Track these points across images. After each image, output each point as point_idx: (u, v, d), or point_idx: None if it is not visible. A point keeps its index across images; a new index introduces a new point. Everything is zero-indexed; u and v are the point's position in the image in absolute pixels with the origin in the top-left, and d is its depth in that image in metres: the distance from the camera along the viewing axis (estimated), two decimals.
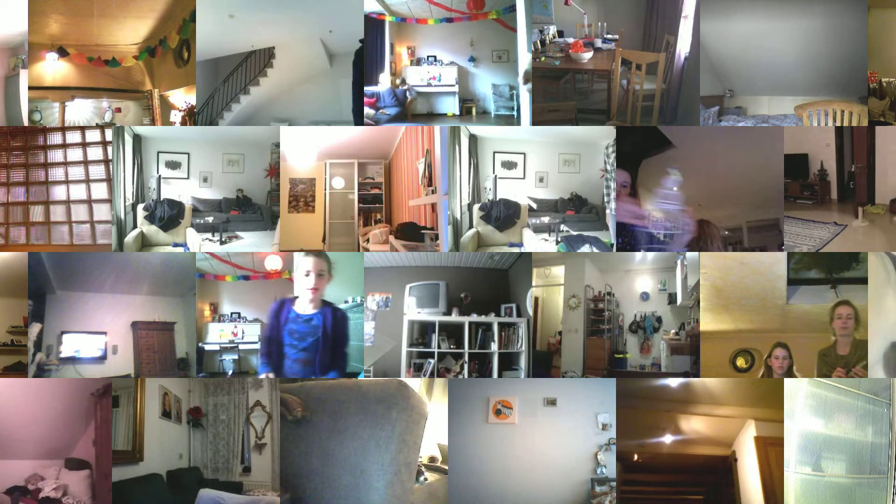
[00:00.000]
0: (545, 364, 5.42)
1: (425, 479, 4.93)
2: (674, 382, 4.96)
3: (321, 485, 3.78)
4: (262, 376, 4.05)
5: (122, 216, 5.27)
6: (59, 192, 5.55)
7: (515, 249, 5.25)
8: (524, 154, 5.50)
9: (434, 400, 5.23)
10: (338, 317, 3.97)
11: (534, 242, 5.19)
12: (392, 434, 3.75)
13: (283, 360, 3.95)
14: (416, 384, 4.97)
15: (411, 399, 3.85)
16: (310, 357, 3.94)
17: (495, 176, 5.41)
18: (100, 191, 5.51)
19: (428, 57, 6.24)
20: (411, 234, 5.94)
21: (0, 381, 4.78)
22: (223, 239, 5.40)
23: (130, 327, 5.36)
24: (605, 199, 5.18)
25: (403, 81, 6.12)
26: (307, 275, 3.90)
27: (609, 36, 6.08)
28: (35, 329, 5.01)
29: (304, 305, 3.95)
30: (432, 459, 5.28)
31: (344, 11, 5.34)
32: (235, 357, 5.78)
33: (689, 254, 5.09)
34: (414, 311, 5.72)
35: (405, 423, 3.78)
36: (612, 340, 5.56)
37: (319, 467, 3.79)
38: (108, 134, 5.38)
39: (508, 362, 5.49)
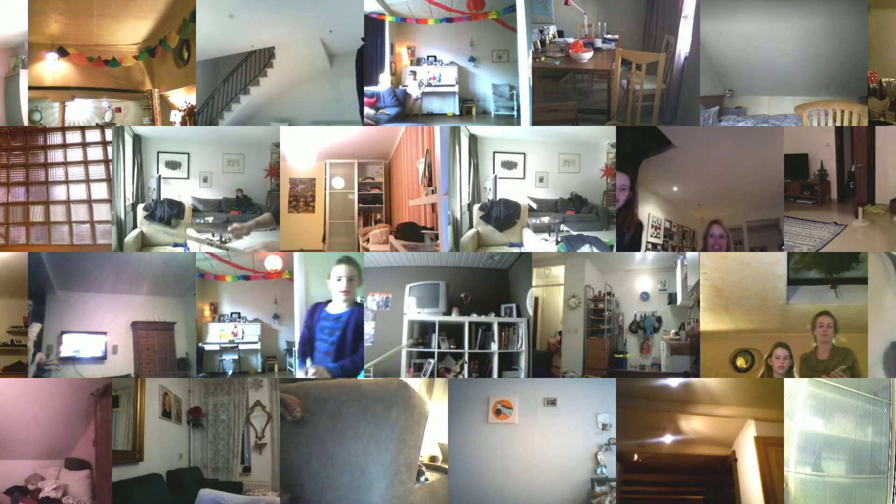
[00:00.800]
0: (545, 364, 5.42)
1: (426, 479, 4.93)
2: (674, 382, 4.96)
3: (321, 485, 3.78)
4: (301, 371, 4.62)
5: (122, 216, 5.27)
6: (59, 192, 5.55)
7: (515, 249, 5.24)
8: (524, 154, 5.49)
9: (434, 400, 5.23)
10: (360, 314, 4.59)
11: (534, 242, 5.19)
12: (392, 434, 3.75)
13: (314, 353, 4.53)
14: (417, 384, 4.97)
15: (411, 399, 3.85)
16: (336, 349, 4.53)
17: (495, 176, 5.41)
18: (100, 191, 5.51)
19: (428, 57, 6.24)
20: (411, 234, 5.93)
21: (0, 381, 4.79)
22: (223, 239, 5.39)
23: (130, 327, 5.36)
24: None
25: (414, 75, 6.11)
26: (339, 279, 4.52)
27: (609, 36, 6.08)
28: (35, 329, 5.00)
29: (337, 306, 4.55)
30: (433, 459, 5.28)
31: (344, 11, 5.34)
32: (235, 357, 5.78)
33: (689, 254, 5.10)
34: (414, 311, 5.71)
35: (405, 423, 3.78)
36: (612, 340, 5.56)
37: (319, 467, 3.79)
38: (108, 134, 5.38)
39: (508, 362, 5.48)
